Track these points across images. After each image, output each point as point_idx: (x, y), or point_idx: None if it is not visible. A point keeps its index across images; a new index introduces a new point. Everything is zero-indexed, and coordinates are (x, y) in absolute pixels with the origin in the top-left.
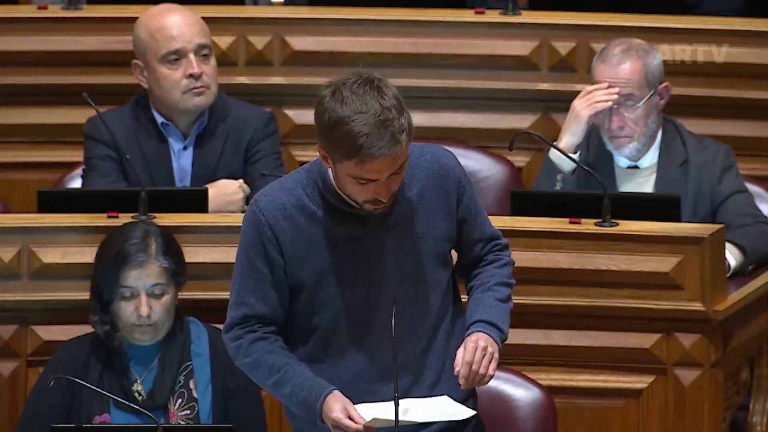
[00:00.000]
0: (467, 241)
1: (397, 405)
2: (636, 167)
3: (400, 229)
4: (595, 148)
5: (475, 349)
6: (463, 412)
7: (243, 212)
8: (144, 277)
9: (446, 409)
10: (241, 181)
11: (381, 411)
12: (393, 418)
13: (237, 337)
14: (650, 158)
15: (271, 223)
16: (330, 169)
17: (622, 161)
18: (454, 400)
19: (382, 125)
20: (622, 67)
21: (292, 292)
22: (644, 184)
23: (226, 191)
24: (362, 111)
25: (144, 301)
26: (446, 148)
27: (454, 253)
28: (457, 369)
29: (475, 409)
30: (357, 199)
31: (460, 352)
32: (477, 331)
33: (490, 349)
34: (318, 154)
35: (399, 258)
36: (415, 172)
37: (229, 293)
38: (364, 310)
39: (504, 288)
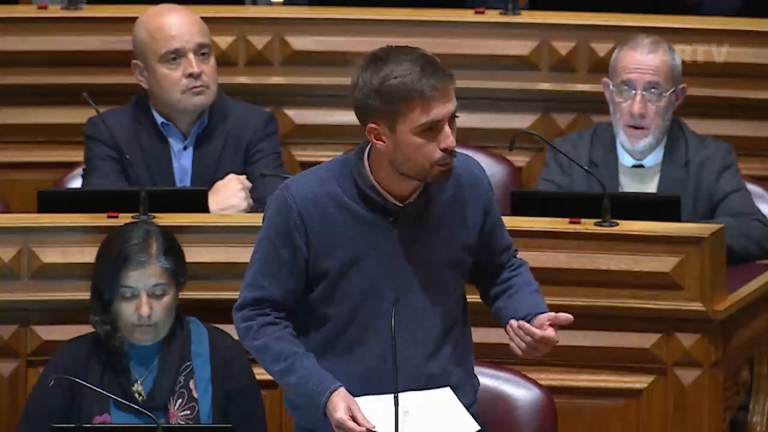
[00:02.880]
0: (493, 250)
1: (397, 406)
2: (641, 166)
3: (429, 231)
4: (600, 146)
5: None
6: (466, 426)
7: (246, 211)
8: (145, 277)
9: (448, 418)
10: (243, 177)
11: (381, 406)
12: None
13: (247, 318)
14: (655, 157)
15: (301, 210)
16: (368, 166)
17: (626, 160)
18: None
19: (428, 62)
20: (653, 55)
21: (312, 281)
22: (648, 183)
23: (228, 186)
24: (404, 59)
25: (145, 302)
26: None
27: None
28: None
29: (478, 419)
30: (427, 165)
31: (550, 331)
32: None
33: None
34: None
35: (423, 260)
36: None
37: (229, 293)
38: (379, 308)
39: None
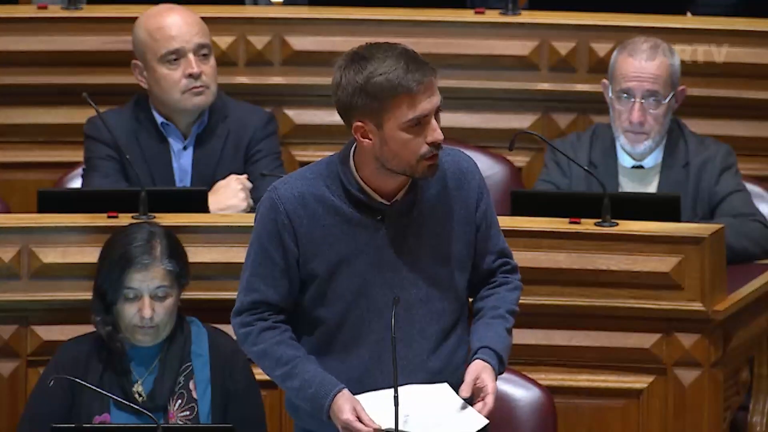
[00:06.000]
0: (480, 249)
1: (396, 406)
2: (640, 167)
3: (418, 228)
4: (600, 147)
5: (475, 385)
6: (472, 423)
7: (246, 211)
8: (148, 279)
9: (457, 415)
10: (244, 177)
11: (383, 403)
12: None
13: (246, 324)
14: (654, 158)
15: (289, 211)
16: (353, 165)
17: (626, 161)
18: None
19: (411, 58)
20: (652, 62)
21: (303, 282)
22: (648, 184)
23: (228, 187)
24: (387, 56)
25: (147, 303)
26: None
27: None
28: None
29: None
30: (413, 161)
31: (466, 386)
32: (483, 360)
33: (489, 388)
34: (334, 152)
35: (413, 257)
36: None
37: (228, 293)
38: (372, 307)
39: (511, 317)
